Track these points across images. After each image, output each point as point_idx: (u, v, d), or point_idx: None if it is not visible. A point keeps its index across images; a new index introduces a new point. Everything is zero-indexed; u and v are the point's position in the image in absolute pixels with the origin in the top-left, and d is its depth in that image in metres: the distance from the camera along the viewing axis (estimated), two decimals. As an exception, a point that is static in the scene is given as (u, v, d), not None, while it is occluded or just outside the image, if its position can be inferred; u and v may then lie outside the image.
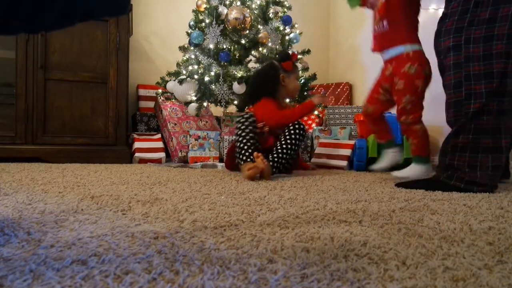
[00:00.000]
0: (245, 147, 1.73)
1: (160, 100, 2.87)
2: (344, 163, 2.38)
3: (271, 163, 1.68)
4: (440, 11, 1.34)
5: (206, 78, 2.40)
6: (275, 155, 1.73)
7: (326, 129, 2.74)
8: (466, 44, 1.23)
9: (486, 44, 1.20)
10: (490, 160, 1.25)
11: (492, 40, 1.19)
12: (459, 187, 1.28)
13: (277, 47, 2.56)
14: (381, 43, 1.53)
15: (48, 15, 0.49)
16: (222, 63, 2.43)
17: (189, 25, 2.63)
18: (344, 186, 1.44)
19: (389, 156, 1.58)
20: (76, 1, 0.49)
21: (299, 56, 2.67)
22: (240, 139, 1.77)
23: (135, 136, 2.74)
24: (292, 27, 2.68)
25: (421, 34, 1.55)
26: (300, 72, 2.51)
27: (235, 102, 2.52)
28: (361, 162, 2.30)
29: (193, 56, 2.55)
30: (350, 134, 2.67)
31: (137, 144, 2.67)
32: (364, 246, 0.62)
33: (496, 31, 1.19)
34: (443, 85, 1.37)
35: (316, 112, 2.76)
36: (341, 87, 3.53)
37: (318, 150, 2.60)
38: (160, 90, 2.80)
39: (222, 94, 2.40)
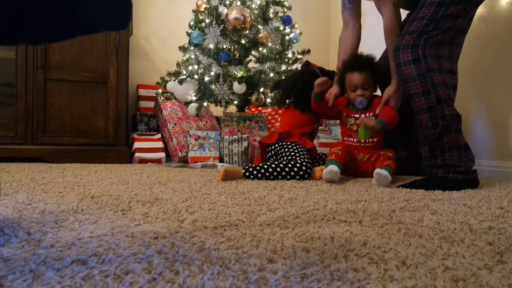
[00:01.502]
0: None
1: (160, 100, 2.87)
2: (344, 163, 2.38)
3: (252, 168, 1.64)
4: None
5: (206, 78, 2.40)
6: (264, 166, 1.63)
7: (326, 129, 2.74)
8: (424, 58, 1.43)
9: (438, 60, 1.44)
10: (470, 154, 1.47)
11: (440, 58, 1.44)
12: (458, 179, 1.42)
13: (277, 47, 2.56)
14: (366, 151, 1.76)
15: (49, 29, 0.49)
16: (222, 63, 2.43)
17: (189, 25, 2.62)
18: (344, 186, 1.44)
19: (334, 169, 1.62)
20: (78, 16, 0.50)
21: (299, 56, 2.67)
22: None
23: (135, 136, 2.74)
24: (292, 27, 2.68)
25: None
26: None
27: (235, 102, 2.52)
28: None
29: (193, 56, 2.55)
30: (350, 134, 2.67)
31: (137, 144, 2.67)
32: (364, 246, 0.62)
33: (441, 52, 1.45)
34: (408, 94, 1.49)
35: None
36: (341, 87, 3.52)
37: (318, 150, 2.60)
38: (160, 90, 2.80)
39: (222, 94, 2.39)
